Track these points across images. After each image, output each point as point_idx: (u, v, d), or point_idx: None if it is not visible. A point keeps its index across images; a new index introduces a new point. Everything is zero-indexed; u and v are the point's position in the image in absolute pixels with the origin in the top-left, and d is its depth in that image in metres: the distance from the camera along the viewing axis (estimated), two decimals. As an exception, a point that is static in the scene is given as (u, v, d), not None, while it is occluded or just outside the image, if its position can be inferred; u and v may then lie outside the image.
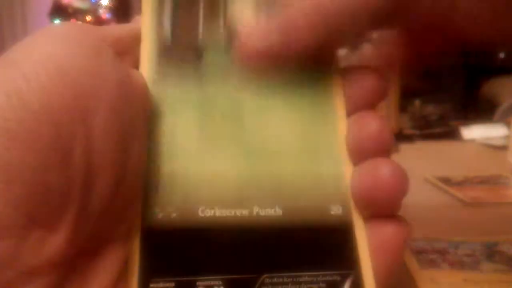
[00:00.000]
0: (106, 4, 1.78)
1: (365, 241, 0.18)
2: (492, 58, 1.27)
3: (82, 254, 0.15)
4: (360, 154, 0.19)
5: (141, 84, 0.18)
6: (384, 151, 0.19)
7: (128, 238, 0.17)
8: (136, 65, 0.19)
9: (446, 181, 0.53)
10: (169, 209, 0.18)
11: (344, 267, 0.18)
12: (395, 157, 0.19)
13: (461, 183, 0.52)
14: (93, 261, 0.15)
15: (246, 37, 0.19)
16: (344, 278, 0.18)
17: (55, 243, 0.14)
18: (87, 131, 0.15)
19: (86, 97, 0.15)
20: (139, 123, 0.17)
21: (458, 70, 1.46)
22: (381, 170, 0.18)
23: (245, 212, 0.18)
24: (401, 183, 0.18)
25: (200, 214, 0.18)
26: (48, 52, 0.15)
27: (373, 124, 0.19)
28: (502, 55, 1.26)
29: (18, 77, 0.14)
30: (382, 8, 0.19)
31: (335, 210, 0.19)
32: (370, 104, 0.20)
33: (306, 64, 0.20)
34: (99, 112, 0.15)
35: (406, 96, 0.91)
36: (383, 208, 0.18)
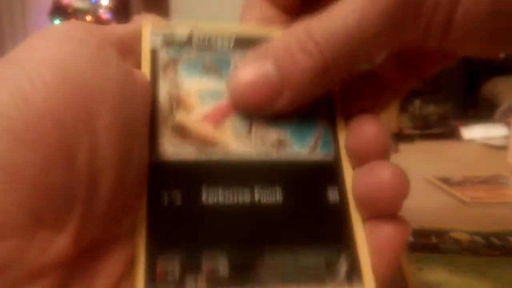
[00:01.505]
0: (106, 4, 1.77)
1: (361, 226, 0.19)
2: (491, 58, 1.27)
3: (86, 253, 0.15)
4: (359, 157, 0.19)
5: (143, 83, 0.18)
6: (383, 153, 0.19)
7: (132, 237, 0.17)
8: (138, 64, 0.19)
9: (446, 181, 0.53)
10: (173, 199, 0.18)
11: (340, 247, 0.18)
12: (395, 157, 0.19)
13: (461, 183, 0.52)
14: (97, 260, 0.15)
15: (241, 69, 0.19)
16: (340, 256, 0.18)
17: (60, 243, 0.14)
18: (91, 131, 0.15)
19: (89, 97, 0.15)
20: (141, 121, 0.17)
21: (458, 70, 1.46)
22: (382, 172, 0.18)
23: (247, 197, 0.19)
24: (402, 185, 0.18)
25: (204, 201, 0.18)
26: (51, 52, 0.15)
27: (370, 127, 0.19)
28: (502, 55, 1.26)
29: (22, 77, 0.14)
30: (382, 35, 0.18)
31: (332, 197, 0.19)
32: (368, 108, 0.20)
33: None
34: (102, 112, 0.15)
35: (406, 96, 0.91)
36: (384, 209, 0.18)
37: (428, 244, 0.34)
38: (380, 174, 0.18)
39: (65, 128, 0.14)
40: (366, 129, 0.19)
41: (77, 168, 0.14)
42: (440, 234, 0.35)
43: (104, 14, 1.77)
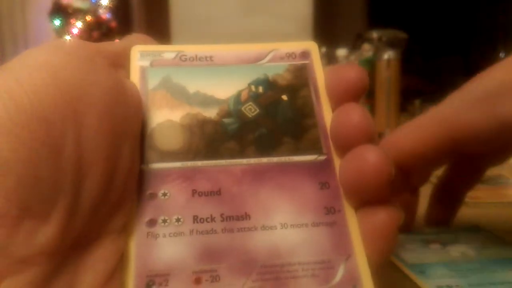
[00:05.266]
0: (106, 4, 1.77)
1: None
2: (492, 58, 1.27)
3: (74, 246, 0.15)
4: (344, 144, 0.20)
5: (134, 91, 0.19)
6: (366, 139, 0.19)
7: (122, 234, 0.17)
8: (128, 77, 0.20)
9: (446, 181, 0.52)
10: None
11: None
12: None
13: (461, 183, 0.52)
14: (85, 255, 0.16)
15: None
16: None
17: (46, 233, 0.14)
18: (77, 128, 0.15)
19: (77, 98, 0.16)
20: (132, 126, 0.18)
21: (458, 70, 1.46)
22: (364, 156, 0.18)
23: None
24: (386, 166, 0.18)
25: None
26: (42, 60, 0.16)
27: (352, 114, 0.20)
28: (502, 55, 1.27)
29: (11, 80, 0.15)
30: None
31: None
32: (351, 97, 0.21)
33: None
34: (90, 112, 0.16)
35: (406, 96, 0.91)
36: (371, 193, 0.19)
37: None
38: (362, 157, 0.18)
39: (51, 124, 0.15)
40: (350, 116, 0.20)
41: (64, 162, 0.15)
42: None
43: (104, 14, 1.77)
